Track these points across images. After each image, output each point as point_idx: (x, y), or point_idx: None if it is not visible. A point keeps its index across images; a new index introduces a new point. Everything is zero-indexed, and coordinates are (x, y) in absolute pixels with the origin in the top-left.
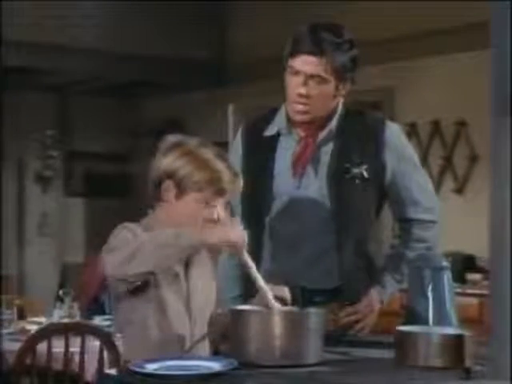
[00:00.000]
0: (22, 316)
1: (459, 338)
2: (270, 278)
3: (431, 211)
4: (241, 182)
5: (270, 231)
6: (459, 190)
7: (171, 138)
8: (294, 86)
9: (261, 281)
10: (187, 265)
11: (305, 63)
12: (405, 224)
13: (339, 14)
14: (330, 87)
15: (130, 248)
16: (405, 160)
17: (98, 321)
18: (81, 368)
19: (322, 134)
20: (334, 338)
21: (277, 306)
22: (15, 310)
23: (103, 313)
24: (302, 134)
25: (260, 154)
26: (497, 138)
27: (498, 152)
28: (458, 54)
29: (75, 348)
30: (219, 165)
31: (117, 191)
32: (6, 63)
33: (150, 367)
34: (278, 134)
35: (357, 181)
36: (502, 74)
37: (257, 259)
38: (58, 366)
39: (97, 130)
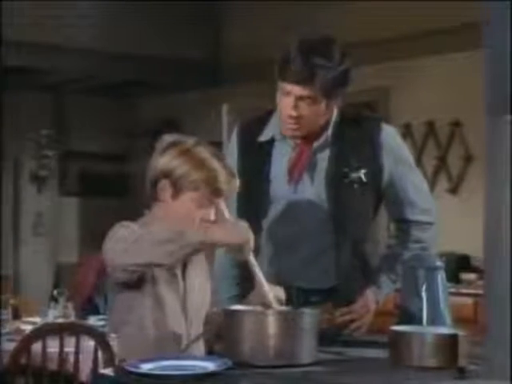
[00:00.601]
0: (16, 316)
1: (453, 338)
2: (266, 278)
3: (428, 212)
4: (237, 182)
5: (267, 234)
6: (454, 190)
7: (168, 138)
8: (285, 106)
9: (263, 280)
10: (185, 264)
11: (295, 86)
12: (402, 225)
13: (334, 14)
14: (322, 106)
15: (132, 237)
16: (401, 162)
17: (92, 321)
18: (75, 368)
19: (318, 142)
20: (328, 337)
21: (276, 306)
22: (10, 309)
23: (98, 313)
24: (297, 141)
25: (255, 158)
26: (492, 138)
27: (493, 152)
28: (452, 54)
29: (70, 348)
30: (216, 164)
31: (112, 191)
32: (3, 63)
33: (145, 367)
34: (273, 139)
35: (355, 185)
36: (496, 73)
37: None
38: (52, 365)
39: (92, 130)
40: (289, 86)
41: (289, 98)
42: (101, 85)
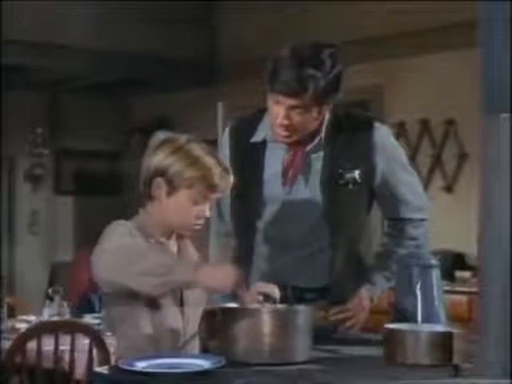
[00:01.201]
0: (11, 314)
1: (448, 336)
2: (261, 277)
3: (421, 210)
4: (231, 178)
5: (262, 234)
6: (448, 188)
7: (160, 135)
8: (276, 115)
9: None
10: None
11: (286, 98)
12: (396, 223)
13: (328, 12)
14: (313, 113)
15: (119, 256)
16: (394, 161)
17: (87, 319)
18: (71, 366)
19: (312, 144)
20: (323, 335)
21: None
22: (5, 308)
23: (93, 311)
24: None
25: (248, 159)
26: (487, 136)
27: (488, 150)
28: (447, 53)
29: (65, 346)
30: (210, 161)
31: (107, 189)
32: None
33: (140, 365)
34: (266, 140)
35: (349, 185)
36: (492, 71)
37: (248, 261)
38: (47, 364)
39: (87, 129)
40: (279, 97)
41: (279, 107)
42: (95, 83)
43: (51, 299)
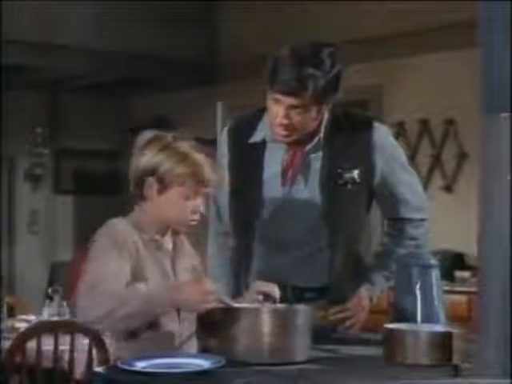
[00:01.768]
0: (11, 314)
1: (447, 336)
2: (260, 277)
3: (421, 210)
4: (222, 173)
5: (261, 234)
6: (448, 188)
7: (147, 135)
8: (275, 114)
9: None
10: (174, 261)
11: (285, 97)
12: (395, 223)
13: (328, 12)
14: (312, 113)
15: (100, 305)
16: (393, 160)
17: None
18: (70, 366)
19: (311, 144)
20: (322, 335)
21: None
22: (5, 307)
23: None
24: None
25: (247, 159)
26: (487, 136)
27: (488, 149)
28: (446, 53)
29: (65, 346)
30: (198, 157)
31: (106, 189)
32: None
33: (139, 365)
34: (265, 140)
35: (349, 185)
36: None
37: (247, 261)
38: (47, 363)
39: (87, 128)
40: (279, 96)
41: (279, 107)
42: (95, 83)
43: (51, 299)
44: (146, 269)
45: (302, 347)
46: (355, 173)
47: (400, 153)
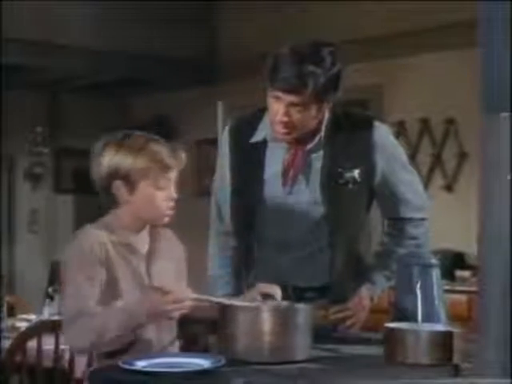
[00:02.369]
0: (11, 313)
1: (448, 335)
2: (261, 277)
3: (422, 209)
4: (183, 155)
5: (262, 233)
6: (448, 188)
7: (99, 143)
8: (275, 112)
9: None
10: (148, 263)
11: (285, 95)
12: (396, 222)
13: (328, 12)
14: (312, 111)
15: (87, 339)
16: (394, 160)
17: None
18: (71, 365)
19: (312, 143)
20: (323, 334)
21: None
22: (5, 307)
23: None
24: (291, 142)
25: (248, 158)
26: (487, 135)
27: (487, 149)
28: (446, 52)
29: (65, 345)
30: (155, 146)
31: None
32: None
33: (140, 364)
34: (266, 140)
35: (349, 185)
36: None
37: (248, 261)
38: (48, 363)
39: (87, 128)
40: (279, 93)
41: (279, 104)
42: (95, 83)
43: (51, 298)
44: (118, 275)
45: (302, 346)
46: (356, 172)
47: (400, 152)
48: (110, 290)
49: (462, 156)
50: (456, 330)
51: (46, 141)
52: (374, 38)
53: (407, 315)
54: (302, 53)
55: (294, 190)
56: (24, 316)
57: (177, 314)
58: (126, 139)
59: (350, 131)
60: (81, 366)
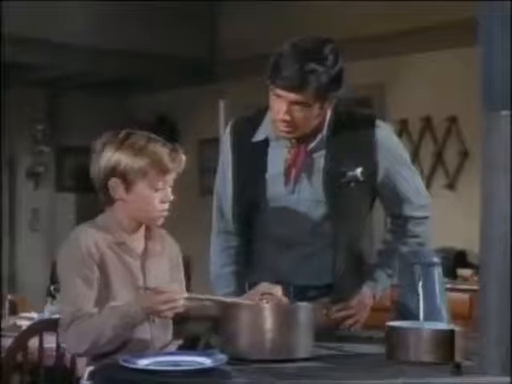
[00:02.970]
0: (13, 312)
1: (450, 333)
2: (263, 276)
3: (423, 208)
4: (183, 157)
5: (264, 232)
6: (450, 186)
7: (100, 141)
8: (277, 110)
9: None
10: (143, 263)
11: (287, 93)
12: (398, 220)
13: (329, 9)
14: (315, 109)
15: (85, 343)
16: (396, 159)
17: None
18: (72, 363)
19: (314, 142)
20: (324, 333)
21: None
22: (7, 306)
23: None
24: (293, 141)
25: (250, 158)
26: (488, 133)
27: (488, 147)
28: (449, 51)
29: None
30: (155, 147)
31: None
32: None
33: (141, 363)
34: (268, 139)
35: (352, 184)
36: (493, 69)
37: (250, 260)
38: (49, 361)
39: (88, 126)
40: (281, 91)
41: (281, 102)
42: (96, 81)
43: (53, 296)
44: (112, 274)
45: (304, 344)
46: (358, 171)
47: (402, 151)
48: (104, 290)
49: (464, 154)
50: (458, 328)
51: (47, 139)
52: (376, 36)
53: (409, 313)
54: (304, 50)
55: (296, 188)
56: (25, 314)
57: (170, 314)
58: (128, 138)
59: (352, 130)
60: (82, 365)
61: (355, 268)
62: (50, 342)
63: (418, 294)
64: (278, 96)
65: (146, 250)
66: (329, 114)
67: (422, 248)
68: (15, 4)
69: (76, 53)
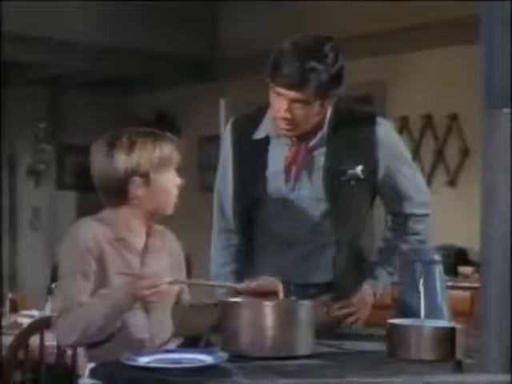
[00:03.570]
0: (14, 310)
1: (450, 331)
2: (264, 274)
3: (424, 205)
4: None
5: (264, 230)
6: (451, 183)
7: (100, 144)
8: (278, 108)
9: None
10: (143, 260)
11: (288, 91)
12: (399, 218)
13: (329, 9)
14: (315, 107)
15: (75, 332)
16: (397, 156)
17: None
18: (73, 361)
19: (314, 140)
20: (325, 330)
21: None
22: (8, 304)
23: None
24: (293, 138)
25: (251, 155)
26: (489, 131)
27: (489, 145)
28: (450, 48)
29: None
30: (164, 142)
31: None
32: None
33: (142, 360)
34: (268, 137)
35: (352, 181)
36: (494, 67)
37: (250, 257)
38: (50, 359)
39: (88, 124)
40: (281, 89)
41: (282, 100)
42: (96, 79)
43: (54, 295)
44: (110, 269)
45: (304, 342)
46: (358, 169)
47: (403, 148)
48: (101, 284)
49: (465, 152)
50: (458, 326)
51: (49, 137)
52: (377, 34)
53: (410, 311)
54: (304, 48)
55: (297, 186)
56: (26, 312)
57: (154, 299)
58: (138, 136)
59: (352, 128)
60: (83, 363)
61: (356, 266)
62: (50, 339)
63: (418, 292)
64: (279, 94)
65: (146, 246)
66: (329, 111)
67: (423, 245)
68: (15, 2)
69: (76, 51)
